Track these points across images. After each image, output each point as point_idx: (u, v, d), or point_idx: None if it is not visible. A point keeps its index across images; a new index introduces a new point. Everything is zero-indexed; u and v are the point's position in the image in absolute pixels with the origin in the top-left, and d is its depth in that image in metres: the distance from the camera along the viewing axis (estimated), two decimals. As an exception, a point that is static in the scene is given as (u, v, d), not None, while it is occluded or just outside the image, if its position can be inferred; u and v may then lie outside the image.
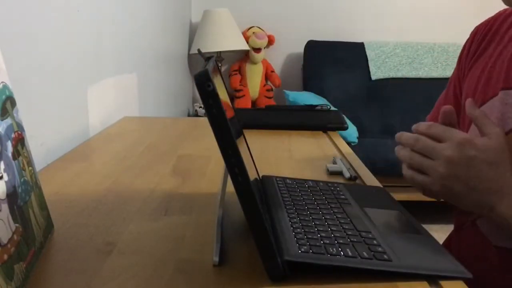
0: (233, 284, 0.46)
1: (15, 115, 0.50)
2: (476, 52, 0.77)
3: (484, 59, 0.74)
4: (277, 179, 0.71)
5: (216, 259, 0.49)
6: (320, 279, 0.46)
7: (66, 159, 0.88)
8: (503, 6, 0.71)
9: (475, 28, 0.81)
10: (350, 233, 0.53)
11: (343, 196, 0.66)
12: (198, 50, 0.62)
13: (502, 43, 0.72)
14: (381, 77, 2.88)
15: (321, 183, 0.70)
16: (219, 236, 0.51)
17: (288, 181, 0.70)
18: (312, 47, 2.94)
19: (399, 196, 0.82)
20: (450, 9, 3.01)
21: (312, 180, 0.72)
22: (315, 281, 0.46)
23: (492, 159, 0.57)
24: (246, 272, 0.48)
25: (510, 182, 0.57)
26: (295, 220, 0.55)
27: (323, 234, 0.51)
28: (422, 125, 0.63)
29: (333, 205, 0.61)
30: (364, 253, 0.48)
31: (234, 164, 0.42)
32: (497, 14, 0.77)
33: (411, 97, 2.81)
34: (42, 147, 0.87)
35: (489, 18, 0.79)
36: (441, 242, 0.62)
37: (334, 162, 0.86)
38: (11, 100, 0.49)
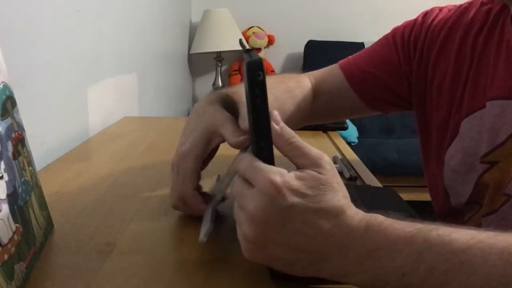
0: (233, 283, 0.46)
1: (15, 115, 0.50)
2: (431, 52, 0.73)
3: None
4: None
5: (204, 238, 0.49)
6: (321, 278, 0.46)
7: (66, 159, 0.88)
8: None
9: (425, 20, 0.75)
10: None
11: (351, 197, 0.65)
12: (240, 40, 0.60)
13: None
14: (381, 77, 2.88)
15: None
16: (208, 216, 0.52)
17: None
18: (312, 47, 2.94)
19: (399, 196, 0.82)
20: (450, 9, 3.01)
21: None
22: (315, 281, 0.46)
23: (322, 205, 0.41)
24: (246, 271, 0.48)
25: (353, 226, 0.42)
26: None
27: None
28: (242, 161, 0.43)
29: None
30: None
31: (265, 158, 0.42)
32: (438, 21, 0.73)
33: (411, 97, 2.81)
34: (42, 147, 0.87)
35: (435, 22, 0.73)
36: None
37: (334, 162, 0.86)
38: (11, 100, 0.49)
